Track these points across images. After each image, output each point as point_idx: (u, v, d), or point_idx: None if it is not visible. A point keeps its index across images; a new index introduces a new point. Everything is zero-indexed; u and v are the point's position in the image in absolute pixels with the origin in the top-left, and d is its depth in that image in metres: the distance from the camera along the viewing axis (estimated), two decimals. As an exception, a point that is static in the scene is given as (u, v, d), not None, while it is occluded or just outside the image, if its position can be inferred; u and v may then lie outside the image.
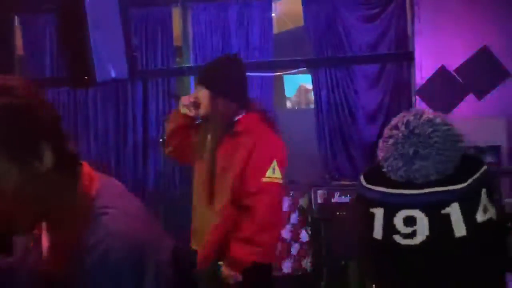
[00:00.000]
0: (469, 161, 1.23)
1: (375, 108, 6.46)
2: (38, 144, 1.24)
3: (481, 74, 6.16)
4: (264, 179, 3.31)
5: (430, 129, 1.20)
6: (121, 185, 1.43)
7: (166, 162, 6.30)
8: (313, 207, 5.78)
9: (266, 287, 3.55)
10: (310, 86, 7.46)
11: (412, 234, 1.15)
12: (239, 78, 3.56)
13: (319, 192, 5.77)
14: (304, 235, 6.08)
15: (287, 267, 6.10)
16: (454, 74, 6.23)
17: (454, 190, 1.16)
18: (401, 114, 1.25)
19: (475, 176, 1.19)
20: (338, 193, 5.76)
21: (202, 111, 3.54)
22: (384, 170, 1.21)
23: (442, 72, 6.24)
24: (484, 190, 1.19)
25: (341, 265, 5.30)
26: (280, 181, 3.36)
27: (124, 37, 6.23)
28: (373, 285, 1.25)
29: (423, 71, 6.31)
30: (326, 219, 5.62)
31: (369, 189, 1.22)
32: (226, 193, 3.40)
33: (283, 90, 9.01)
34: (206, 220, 3.47)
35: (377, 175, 1.23)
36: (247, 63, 6.48)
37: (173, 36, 6.72)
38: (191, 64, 6.69)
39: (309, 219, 5.88)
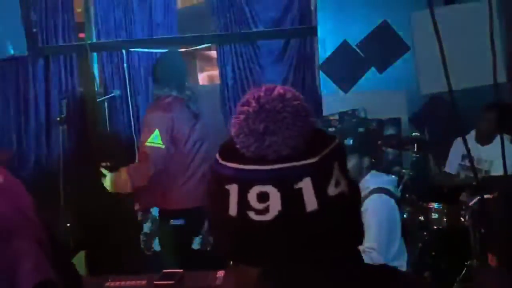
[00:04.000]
0: (320, 135, 1.24)
1: (280, 83, 6.47)
2: None
3: (382, 48, 6.28)
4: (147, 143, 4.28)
5: (280, 105, 1.19)
6: None
7: (69, 141, 6.19)
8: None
9: None
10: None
11: (265, 210, 1.16)
12: (167, 67, 4.63)
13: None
14: None
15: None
16: (356, 48, 6.34)
17: (305, 165, 1.17)
18: (253, 90, 1.24)
19: (326, 150, 1.20)
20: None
21: None
22: (237, 146, 1.21)
23: (344, 46, 6.33)
24: (336, 164, 1.20)
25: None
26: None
27: (22, 12, 6.05)
28: (230, 262, 1.26)
29: (326, 45, 6.39)
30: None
31: (224, 165, 1.22)
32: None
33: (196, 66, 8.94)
34: None
35: (231, 152, 1.22)
36: (151, 40, 6.44)
37: (74, 12, 6.54)
38: (94, 40, 6.55)
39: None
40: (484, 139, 5.31)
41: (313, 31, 6.39)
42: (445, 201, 5.01)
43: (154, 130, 4.26)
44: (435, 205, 4.98)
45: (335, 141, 1.24)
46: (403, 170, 5.24)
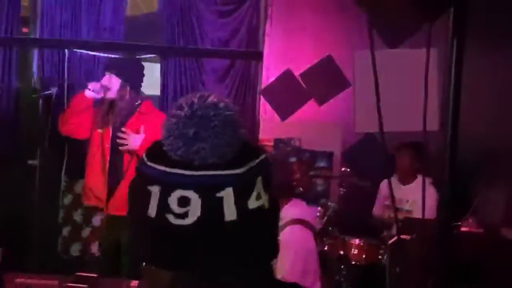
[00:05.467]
0: (248, 148, 1.25)
1: (220, 102, 6.51)
2: None
3: (323, 81, 6.36)
4: None
5: (212, 112, 1.21)
6: None
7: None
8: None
9: None
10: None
11: (185, 215, 1.16)
12: (141, 73, 4.75)
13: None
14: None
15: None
16: (299, 78, 6.41)
17: (230, 175, 1.18)
18: (188, 95, 1.26)
19: (252, 163, 1.22)
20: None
21: (111, 94, 4.62)
22: (165, 148, 1.22)
23: (287, 75, 6.39)
24: (259, 178, 1.22)
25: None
26: None
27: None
28: (143, 264, 1.25)
29: (269, 72, 6.46)
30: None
31: (150, 166, 1.22)
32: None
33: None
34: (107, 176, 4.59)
35: (158, 153, 1.23)
36: (95, 43, 6.38)
37: (20, 5, 6.43)
38: (37, 36, 6.44)
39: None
40: (404, 179, 5.44)
41: (259, 55, 6.45)
42: (366, 238, 5.09)
43: None
44: (356, 240, 5.06)
45: (262, 156, 1.26)
46: (329, 203, 5.31)
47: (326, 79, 6.36)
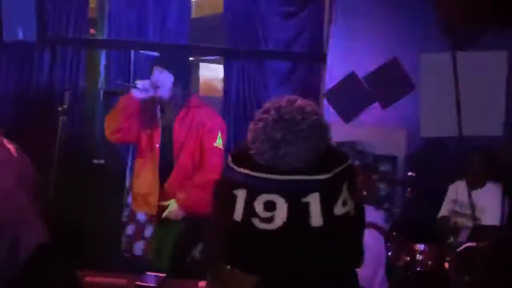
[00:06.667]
0: (334, 153, 1.23)
1: (283, 105, 6.49)
2: None
3: (388, 84, 6.30)
4: (215, 144, 4.28)
5: (300, 116, 1.19)
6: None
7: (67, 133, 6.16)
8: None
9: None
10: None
11: (270, 219, 1.15)
12: (191, 70, 4.68)
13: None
14: None
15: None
16: (363, 81, 6.35)
17: (316, 180, 1.16)
18: (275, 100, 1.24)
19: (338, 169, 1.20)
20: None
21: (162, 92, 4.27)
22: (251, 152, 1.21)
23: (351, 77, 6.34)
24: (346, 184, 1.20)
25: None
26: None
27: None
28: (228, 267, 1.24)
29: (333, 74, 6.41)
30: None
31: (235, 170, 1.22)
32: (186, 153, 4.29)
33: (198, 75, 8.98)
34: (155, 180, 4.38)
35: (243, 157, 1.22)
36: (161, 44, 6.45)
37: (88, 6, 6.55)
38: (104, 37, 6.55)
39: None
40: (473, 184, 5.32)
41: (322, 57, 6.41)
42: (432, 244, 5.00)
43: (218, 132, 4.35)
44: (421, 246, 4.97)
45: (348, 161, 1.24)
46: (393, 208, 5.24)
47: (391, 82, 6.29)
